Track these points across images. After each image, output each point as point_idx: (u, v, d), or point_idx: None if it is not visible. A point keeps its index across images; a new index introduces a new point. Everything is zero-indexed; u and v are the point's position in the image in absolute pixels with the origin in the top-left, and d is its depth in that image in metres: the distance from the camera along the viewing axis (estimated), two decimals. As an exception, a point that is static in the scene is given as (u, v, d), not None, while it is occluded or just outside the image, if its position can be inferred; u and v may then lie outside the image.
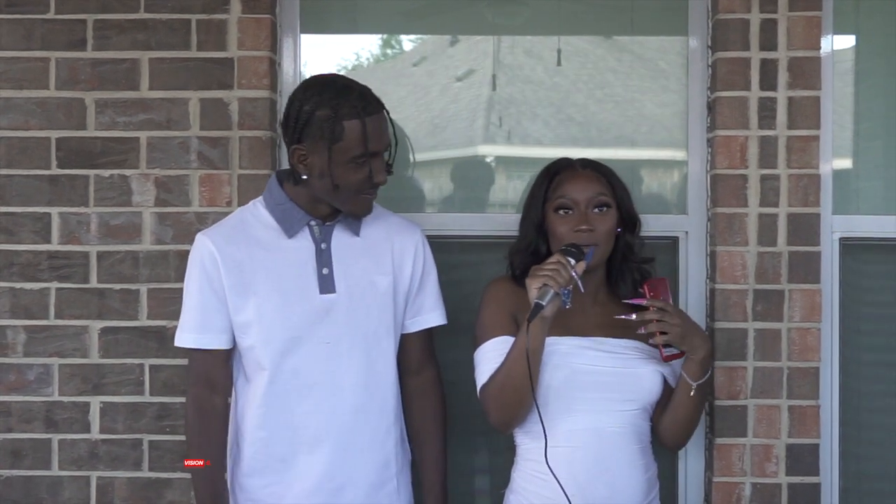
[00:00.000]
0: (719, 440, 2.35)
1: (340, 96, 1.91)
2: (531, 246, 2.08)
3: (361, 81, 1.99)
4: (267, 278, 2.00)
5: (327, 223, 2.05)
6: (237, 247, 2.01)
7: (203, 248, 2.01)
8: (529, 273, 1.89)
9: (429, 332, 2.16)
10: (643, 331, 1.94)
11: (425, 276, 2.13)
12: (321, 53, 2.55)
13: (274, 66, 2.41)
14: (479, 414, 2.05)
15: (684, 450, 2.43)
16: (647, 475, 2.03)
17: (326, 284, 2.01)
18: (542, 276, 1.85)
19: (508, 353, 1.93)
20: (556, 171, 2.09)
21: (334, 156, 1.91)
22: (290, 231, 2.02)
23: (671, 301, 1.99)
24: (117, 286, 2.37)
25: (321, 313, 2.00)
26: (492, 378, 1.97)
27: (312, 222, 2.04)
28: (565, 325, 2.01)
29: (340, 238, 2.05)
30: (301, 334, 2.00)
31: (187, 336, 2.04)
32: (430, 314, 2.15)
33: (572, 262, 1.88)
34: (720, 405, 2.35)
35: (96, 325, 2.37)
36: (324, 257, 2.03)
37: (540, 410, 1.90)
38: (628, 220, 2.09)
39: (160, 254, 2.37)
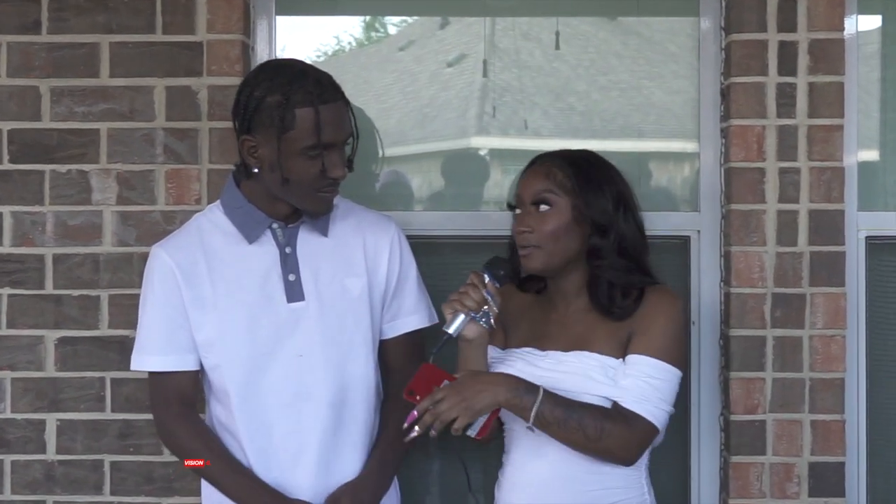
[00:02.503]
0: (735, 458, 2.29)
1: (294, 82, 1.85)
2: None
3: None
4: (228, 290, 1.95)
5: (290, 225, 1.99)
6: (195, 258, 1.97)
7: (159, 261, 1.97)
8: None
9: (412, 336, 2.09)
10: (433, 434, 1.80)
11: (403, 275, 2.07)
12: (298, 37, 2.50)
13: (247, 51, 2.35)
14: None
15: (697, 469, 2.40)
16: (600, 501, 1.89)
17: (294, 292, 1.95)
18: (452, 301, 1.89)
19: None
20: (526, 168, 2.06)
21: (284, 146, 1.85)
22: (251, 236, 1.96)
23: (444, 380, 1.84)
24: (75, 292, 2.31)
25: (290, 324, 1.95)
26: None
27: (274, 225, 1.98)
28: (535, 334, 2.00)
29: (306, 240, 1.99)
30: (270, 349, 1.95)
31: (150, 359, 1.98)
32: (410, 317, 2.08)
33: (487, 280, 1.90)
34: (736, 420, 2.28)
35: (52, 335, 2.31)
36: (289, 262, 1.97)
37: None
38: (594, 221, 1.94)
39: (123, 257, 2.30)
